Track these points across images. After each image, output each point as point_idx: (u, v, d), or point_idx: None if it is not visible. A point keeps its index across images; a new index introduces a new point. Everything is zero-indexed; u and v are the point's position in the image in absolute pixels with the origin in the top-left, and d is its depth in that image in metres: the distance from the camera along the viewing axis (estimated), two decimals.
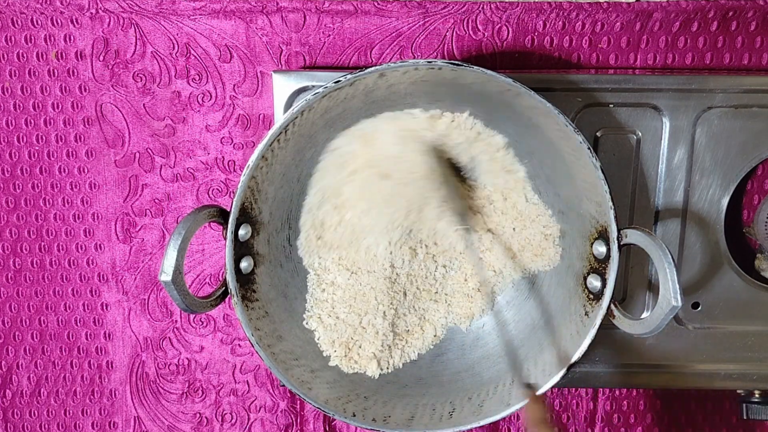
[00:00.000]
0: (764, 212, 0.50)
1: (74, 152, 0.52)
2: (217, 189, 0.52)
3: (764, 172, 0.51)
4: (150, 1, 0.48)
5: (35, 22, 0.50)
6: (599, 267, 0.43)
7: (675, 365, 0.50)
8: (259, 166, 0.40)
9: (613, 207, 0.40)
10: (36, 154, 0.52)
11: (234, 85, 0.50)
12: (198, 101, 0.51)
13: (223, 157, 0.52)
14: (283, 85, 0.46)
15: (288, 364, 0.43)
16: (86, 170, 0.52)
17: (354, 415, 0.43)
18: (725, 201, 0.48)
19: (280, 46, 0.49)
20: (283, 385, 0.44)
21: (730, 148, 0.47)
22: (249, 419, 0.56)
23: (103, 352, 0.55)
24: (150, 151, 0.52)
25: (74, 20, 0.49)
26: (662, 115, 0.46)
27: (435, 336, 0.50)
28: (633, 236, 0.40)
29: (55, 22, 0.49)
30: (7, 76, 0.51)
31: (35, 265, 0.54)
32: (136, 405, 0.56)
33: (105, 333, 0.55)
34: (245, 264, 0.43)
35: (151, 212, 0.53)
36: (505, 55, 0.49)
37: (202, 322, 0.54)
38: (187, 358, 0.55)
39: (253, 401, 0.56)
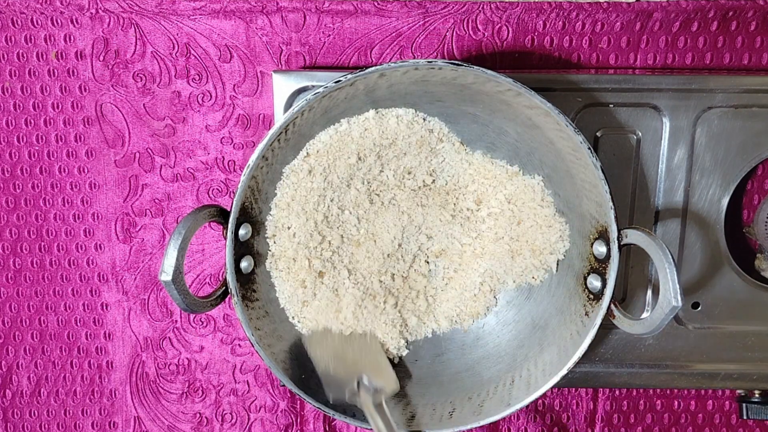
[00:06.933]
0: (764, 212, 0.50)
1: (74, 152, 0.52)
2: (217, 189, 0.52)
3: (764, 172, 0.51)
4: (150, 1, 0.48)
5: (35, 22, 0.50)
6: (599, 267, 0.43)
7: (675, 365, 0.50)
8: (259, 166, 0.40)
9: (613, 207, 0.40)
10: (36, 154, 0.52)
11: (234, 85, 0.50)
12: (198, 101, 0.51)
13: (223, 157, 0.52)
14: (283, 85, 0.46)
15: (288, 364, 0.43)
16: (86, 170, 0.52)
17: (354, 415, 0.43)
18: (725, 201, 0.48)
19: (280, 46, 0.49)
20: (283, 385, 0.44)
21: (730, 148, 0.47)
22: (249, 419, 0.56)
23: (103, 352, 0.55)
24: (150, 151, 0.52)
25: (74, 20, 0.49)
26: (662, 115, 0.46)
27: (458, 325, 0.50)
28: (633, 236, 0.40)
29: (55, 22, 0.49)
30: (7, 76, 0.51)
31: (35, 265, 0.54)
32: (136, 405, 0.56)
33: (105, 333, 0.55)
34: (245, 264, 0.43)
35: (151, 212, 0.53)
36: (505, 55, 0.49)
37: (202, 322, 0.54)
38: (187, 358, 0.55)
39: (253, 401, 0.56)
